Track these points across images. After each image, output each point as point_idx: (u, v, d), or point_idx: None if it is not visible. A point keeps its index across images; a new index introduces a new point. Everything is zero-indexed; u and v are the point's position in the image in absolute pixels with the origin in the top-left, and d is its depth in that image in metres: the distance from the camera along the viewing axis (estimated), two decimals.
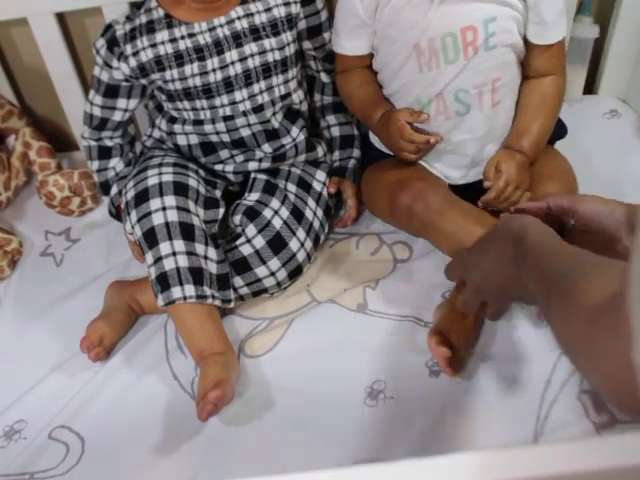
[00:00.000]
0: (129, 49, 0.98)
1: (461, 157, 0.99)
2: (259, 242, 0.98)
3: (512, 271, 0.68)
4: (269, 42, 0.98)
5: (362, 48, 0.97)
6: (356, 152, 1.12)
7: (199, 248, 0.94)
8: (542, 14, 0.89)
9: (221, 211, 1.02)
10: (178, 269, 0.91)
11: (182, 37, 0.96)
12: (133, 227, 0.96)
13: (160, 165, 0.99)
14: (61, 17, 1.19)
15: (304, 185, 1.06)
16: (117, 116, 1.06)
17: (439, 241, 0.97)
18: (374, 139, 1.08)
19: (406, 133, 0.94)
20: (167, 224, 0.93)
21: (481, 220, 0.94)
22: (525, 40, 0.92)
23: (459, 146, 0.98)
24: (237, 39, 0.96)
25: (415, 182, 0.97)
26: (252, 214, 1.00)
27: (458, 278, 0.88)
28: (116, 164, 1.10)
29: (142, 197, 0.95)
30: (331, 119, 1.13)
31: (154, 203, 0.94)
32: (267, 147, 1.05)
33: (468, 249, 0.82)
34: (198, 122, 1.03)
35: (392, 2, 0.90)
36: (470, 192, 1.02)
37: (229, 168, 1.07)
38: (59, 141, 1.35)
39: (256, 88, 0.99)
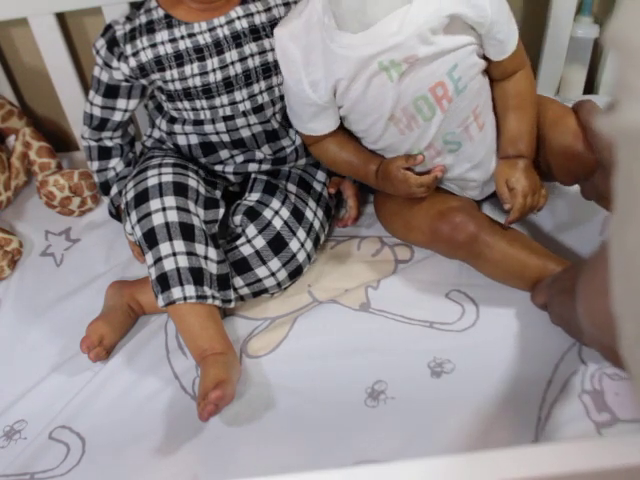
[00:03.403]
0: (129, 49, 0.97)
1: (471, 181, 1.00)
2: (259, 242, 0.98)
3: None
4: (269, 42, 0.97)
5: (330, 126, 0.96)
6: None
7: (199, 248, 0.94)
8: (496, 35, 0.88)
9: (221, 211, 1.02)
10: (178, 269, 0.91)
11: (182, 37, 0.96)
12: (133, 228, 0.96)
13: (160, 165, 0.99)
14: (61, 17, 1.19)
15: (304, 185, 1.06)
16: (117, 116, 1.06)
17: (486, 269, 0.96)
18: None
19: (412, 181, 0.93)
20: (167, 224, 0.93)
21: (527, 244, 0.94)
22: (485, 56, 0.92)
23: (465, 175, 0.98)
24: (237, 39, 0.96)
25: (455, 214, 0.94)
26: (252, 214, 1.00)
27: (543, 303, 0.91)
28: (116, 164, 1.10)
29: (142, 197, 0.95)
30: None
31: (154, 204, 0.94)
32: (267, 148, 1.05)
33: (549, 283, 0.88)
34: (198, 122, 1.02)
35: (352, 87, 0.88)
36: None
37: (229, 169, 1.07)
38: (59, 141, 1.35)
39: (256, 88, 0.99)
